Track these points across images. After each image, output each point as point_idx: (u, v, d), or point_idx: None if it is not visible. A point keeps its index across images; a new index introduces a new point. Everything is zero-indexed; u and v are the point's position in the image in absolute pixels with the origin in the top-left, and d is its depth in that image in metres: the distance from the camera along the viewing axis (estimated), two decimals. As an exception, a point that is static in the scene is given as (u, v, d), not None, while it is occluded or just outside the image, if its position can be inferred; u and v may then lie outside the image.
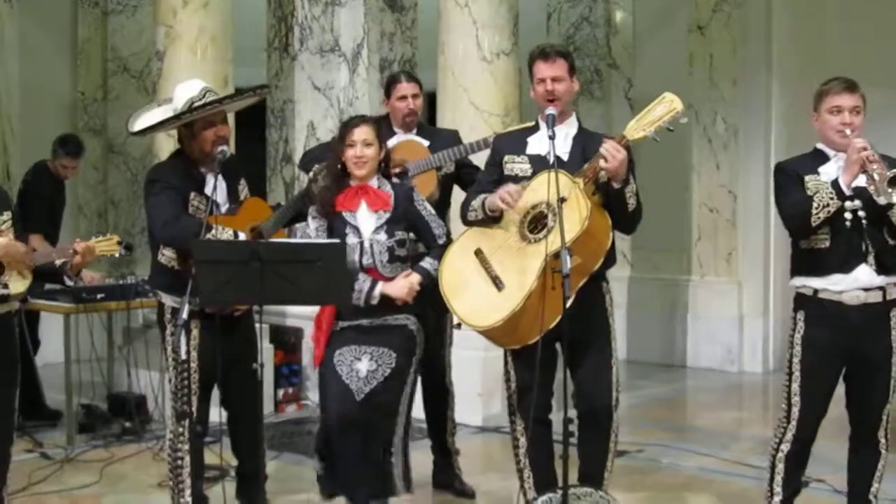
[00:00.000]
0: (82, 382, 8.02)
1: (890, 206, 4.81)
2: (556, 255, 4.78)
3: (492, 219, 5.17)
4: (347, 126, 5.35)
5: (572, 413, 5.00)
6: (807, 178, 4.98)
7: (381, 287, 5.22)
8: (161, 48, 8.48)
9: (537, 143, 5.25)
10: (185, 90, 5.56)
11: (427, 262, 5.34)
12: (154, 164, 6.34)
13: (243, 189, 5.73)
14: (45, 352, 8.61)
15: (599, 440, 5.22)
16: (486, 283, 5.11)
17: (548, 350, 5.03)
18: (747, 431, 8.12)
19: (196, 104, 5.45)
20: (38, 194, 8.54)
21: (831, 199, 4.83)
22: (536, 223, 5.07)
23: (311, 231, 5.34)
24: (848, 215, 4.90)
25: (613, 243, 5.19)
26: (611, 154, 4.91)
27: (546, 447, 5.36)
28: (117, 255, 5.58)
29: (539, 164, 5.15)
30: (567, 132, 5.23)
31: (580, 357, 5.08)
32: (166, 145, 8.08)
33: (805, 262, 5.04)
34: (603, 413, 5.19)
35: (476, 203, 5.24)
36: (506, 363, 5.35)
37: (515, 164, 5.28)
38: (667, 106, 5.03)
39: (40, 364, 8.32)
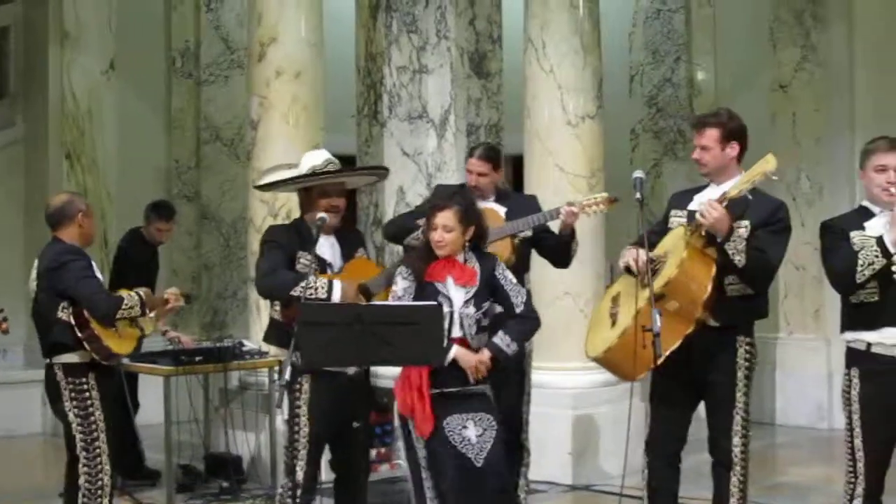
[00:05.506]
0: (181, 443, 8.19)
1: None
2: (656, 299, 4.98)
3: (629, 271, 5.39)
4: (433, 208, 5.45)
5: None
6: (852, 233, 5.07)
7: (455, 351, 5.30)
8: (255, 118, 8.67)
9: (699, 200, 5.42)
10: (310, 158, 5.91)
11: (498, 338, 5.40)
12: (268, 227, 6.61)
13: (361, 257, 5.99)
14: (144, 413, 8.76)
15: (722, 482, 5.39)
16: (607, 320, 5.44)
17: (683, 393, 5.34)
18: (837, 487, 8.03)
19: (317, 172, 5.76)
20: (132, 259, 8.79)
21: (877, 256, 4.92)
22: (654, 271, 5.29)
23: (399, 290, 5.40)
24: None
25: (764, 299, 5.43)
26: (707, 212, 5.09)
27: (670, 488, 5.52)
28: (181, 305, 6.21)
29: (692, 218, 5.36)
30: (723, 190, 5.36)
31: (707, 403, 5.37)
32: (259, 211, 8.39)
33: (856, 316, 5.09)
34: (723, 456, 5.37)
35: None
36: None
37: (676, 218, 5.54)
38: (762, 165, 5.19)
39: (140, 425, 8.49)
